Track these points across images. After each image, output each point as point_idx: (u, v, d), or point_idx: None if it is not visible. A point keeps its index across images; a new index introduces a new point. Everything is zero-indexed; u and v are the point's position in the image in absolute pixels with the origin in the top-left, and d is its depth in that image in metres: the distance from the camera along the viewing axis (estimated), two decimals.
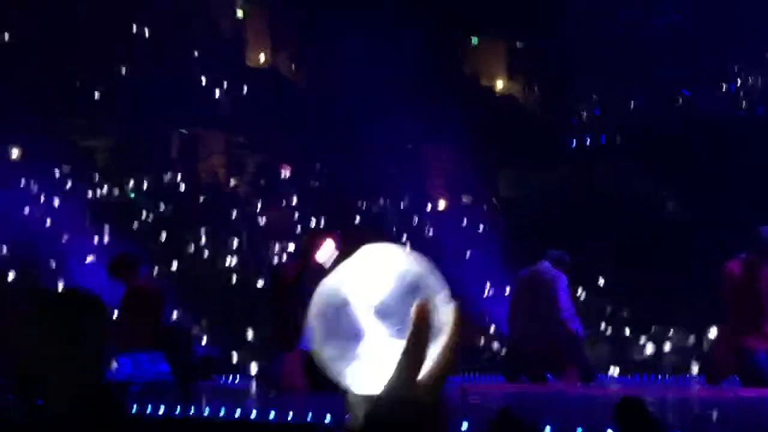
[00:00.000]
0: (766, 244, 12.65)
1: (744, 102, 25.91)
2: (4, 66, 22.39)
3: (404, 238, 23.79)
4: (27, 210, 19.96)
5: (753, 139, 23.24)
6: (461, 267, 20.93)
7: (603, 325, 21.36)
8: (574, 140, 27.88)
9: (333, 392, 1.92)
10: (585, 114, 28.34)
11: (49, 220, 19.87)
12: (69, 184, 22.29)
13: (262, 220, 23.06)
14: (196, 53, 25.95)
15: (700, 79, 26.19)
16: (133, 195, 22.40)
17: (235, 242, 21.42)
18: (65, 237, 19.39)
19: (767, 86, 25.71)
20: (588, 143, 27.48)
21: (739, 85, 26.20)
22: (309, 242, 11.59)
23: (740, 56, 26.01)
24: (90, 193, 22.46)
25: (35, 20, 23.80)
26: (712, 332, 18.58)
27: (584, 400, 11.17)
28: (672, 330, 20.11)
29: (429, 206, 26.49)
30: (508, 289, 19.62)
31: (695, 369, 18.24)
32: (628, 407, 6.41)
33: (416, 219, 25.03)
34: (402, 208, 25.38)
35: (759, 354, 12.61)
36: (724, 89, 26.39)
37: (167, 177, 24.07)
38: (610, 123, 27.56)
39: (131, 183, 22.72)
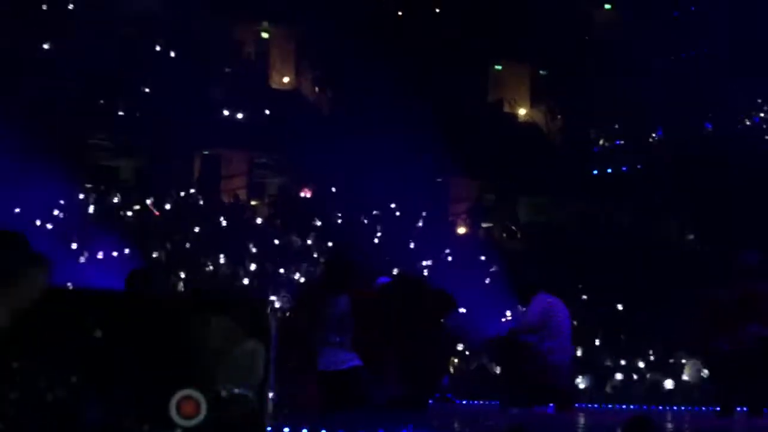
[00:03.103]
0: None
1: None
2: (35, 84, 22.60)
3: (424, 263, 23.82)
4: (50, 225, 20.08)
5: None
6: (479, 291, 20.95)
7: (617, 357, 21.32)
8: (596, 170, 27.89)
9: (347, 411, 1.92)
10: (607, 143, 28.37)
11: (69, 236, 19.98)
12: (93, 202, 22.41)
13: (281, 241, 23.13)
14: (220, 74, 26.11)
15: (723, 112, 26.20)
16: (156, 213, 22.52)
17: (253, 264, 21.49)
18: (85, 255, 19.51)
19: None
20: (609, 172, 27.50)
21: (763, 116, 26.20)
22: (335, 270, 11.44)
23: (764, 88, 26.02)
24: (113, 211, 22.56)
25: (66, 40, 24.02)
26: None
27: (601, 423, 11.20)
28: (691, 362, 20.06)
29: (449, 231, 26.56)
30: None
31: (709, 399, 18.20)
32: (636, 425, 6.47)
33: (437, 243, 25.05)
34: (423, 231, 25.40)
35: None
36: (747, 123, 26.38)
37: (189, 196, 24.19)
38: (632, 153, 27.58)
39: (152, 201, 22.83)
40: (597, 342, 21.26)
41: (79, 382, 2.74)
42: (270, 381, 2.87)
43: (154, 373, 2.75)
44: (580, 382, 17.84)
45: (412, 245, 24.25)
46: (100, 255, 19.39)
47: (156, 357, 2.76)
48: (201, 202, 24.14)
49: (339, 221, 24.90)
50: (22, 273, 2.75)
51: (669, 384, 19.88)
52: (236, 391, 2.78)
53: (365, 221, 24.81)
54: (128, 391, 2.77)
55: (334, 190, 25.55)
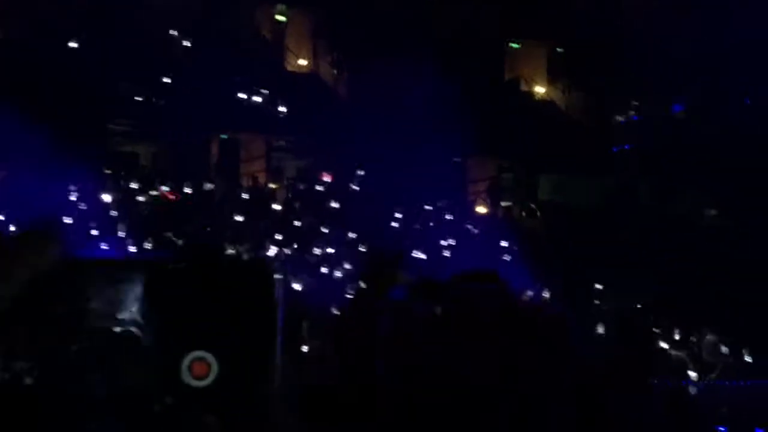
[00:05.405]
0: None
1: None
2: (54, 71, 22.65)
3: (445, 243, 23.82)
4: (68, 214, 20.11)
5: None
6: (498, 269, 20.92)
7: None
8: (615, 147, 27.81)
9: None
10: (625, 120, 28.28)
11: (89, 223, 20.01)
12: (113, 188, 22.46)
13: (300, 224, 23.13)
14: (237, 58, 26.09)
15: (740, 87, 26.05)
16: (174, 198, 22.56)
17: (273, 248, 21.50)
18: (105, 242, 19.52)
19: None
20: (628, 149, 27.41)
21: None
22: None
23: None
24: (133, 197, 22.61)
25: (83, 31, 24.09)
26: None
27: None
28: (710, 339, 20.04)
29: (468, 211, 26.54)
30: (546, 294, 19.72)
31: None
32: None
33: (456, 224, 25.04)
34: (442, 213, 25.38)
35: None
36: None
37: (208, 180, 24.21)
38: (651, 129, 27.47)
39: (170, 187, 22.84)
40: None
41: (90, 346, 2.87)
42: (280, 344, 2.98)
43: (165, 336, 2.88)
44: None
45: (431, 225, 24.25)
46: (119, 241, 19.42)
47: (166, 320, 2.89)
48: (220, 186, 24.17)
49: (358, 203, 24.90)
50: (31, 246, 2.84)
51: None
52: (246, 352, 2.91)
53: (384, 203, 24.77)
54: (140, 354, 2.90)
55: (358, 172, 25.53)
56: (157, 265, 2.84)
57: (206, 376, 2.80)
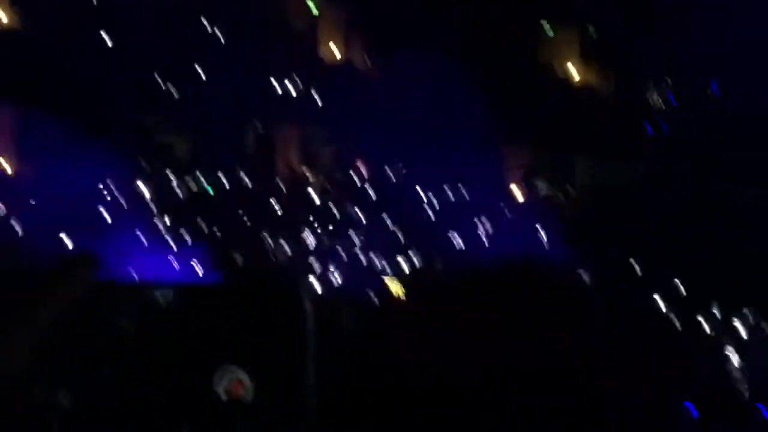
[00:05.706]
0: None
1: None
2: (90, 61, 22.74)
3: (482, 230, 23.78)
4: (105, 205, 20.18)
5: None
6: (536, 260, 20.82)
7: None
8: (651, 129, 27.62)
9: None
10: (661, 101, 28.05)
11: (126, 215, 20.09)
12: (149, 180, 22.52)
13: (338, 213, 23.15)
14: (271, 50, 26.14)
15: None
16: (210, 189, 22.61)
17: (312, 238, 21.52)
18: (143, 234, 19.58)
19: None
20: (666, 132, 27.20)
21: None
22: None
23: None
24: (170, 189, 22.67)
25: (119, 21, 24.20)
26: None
27: None
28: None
29: (505, 197, 26.45)
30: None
31: None
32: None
33: (493, 210, 24.98)
34: (479, 199, 25.34)
35: None
36: None
37: (243, 171, 24.29)
38: (689, 111, 27.25)
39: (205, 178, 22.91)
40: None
41: (125, 369, 2.89)
42: (310, 366, 2.97)
43: (202, 357, 2.89)
44: None
45: (467, 213, 24.20)
46: (159, 234, 19.51)
47: (204, 341, 2.90)
48: (256, 178, 24.24)
49: (394, 191, 24.91)
50: (70, 273, 2.83)
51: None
52: (279, 371, 2.91)
53: (420, 192, 24.78)
54: (178, 373, 2.92)
55: (389, 162, 25.56)
56: (192, 288, 2.84)
57: (243, 394, 2.80)
